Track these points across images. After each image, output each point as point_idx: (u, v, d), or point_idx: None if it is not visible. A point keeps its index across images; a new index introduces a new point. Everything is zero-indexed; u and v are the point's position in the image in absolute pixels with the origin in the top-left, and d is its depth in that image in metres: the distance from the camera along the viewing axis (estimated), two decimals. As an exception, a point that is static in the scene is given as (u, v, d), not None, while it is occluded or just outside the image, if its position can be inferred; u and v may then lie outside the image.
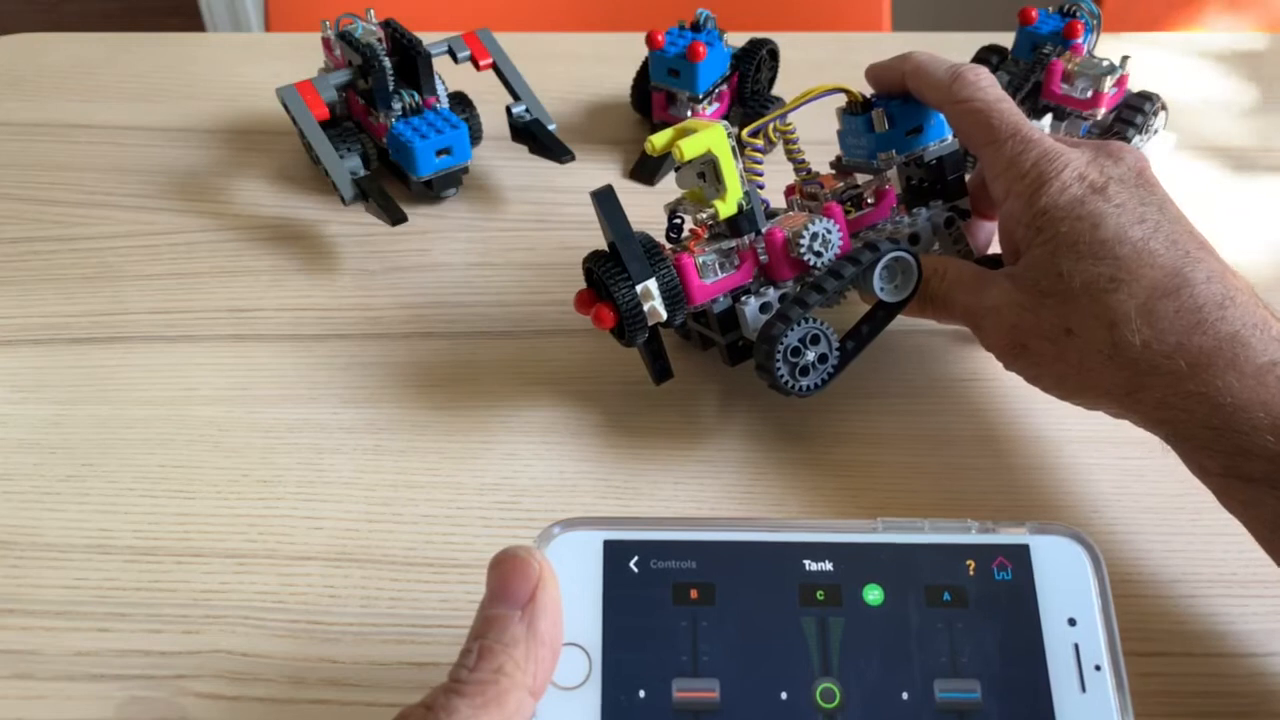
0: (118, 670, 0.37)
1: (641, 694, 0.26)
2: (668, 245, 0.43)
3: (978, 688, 0.26)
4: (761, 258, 0.43)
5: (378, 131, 0.58)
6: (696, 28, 0.61)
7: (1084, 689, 0.26)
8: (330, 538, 0.42)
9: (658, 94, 0.62)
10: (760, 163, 0.44)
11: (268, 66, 0.73)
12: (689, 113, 0.61)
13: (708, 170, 0.42)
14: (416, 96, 0.58)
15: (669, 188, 0.61)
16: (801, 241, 0.42)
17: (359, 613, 0.39)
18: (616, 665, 0.26)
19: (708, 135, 0.41)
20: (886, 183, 0.46)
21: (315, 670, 0.37)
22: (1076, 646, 0.27)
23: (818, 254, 0.42)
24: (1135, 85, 0.58)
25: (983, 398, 0.47)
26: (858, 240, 0.45)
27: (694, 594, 0.27)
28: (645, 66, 0.63)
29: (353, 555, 0.41)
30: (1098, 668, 0.26)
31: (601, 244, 0.43)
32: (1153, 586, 0.39)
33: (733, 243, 0.43)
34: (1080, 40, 0.58)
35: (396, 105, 0.57)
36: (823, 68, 0.72)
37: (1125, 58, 0.57)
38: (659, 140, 0.41)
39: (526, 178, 0.62)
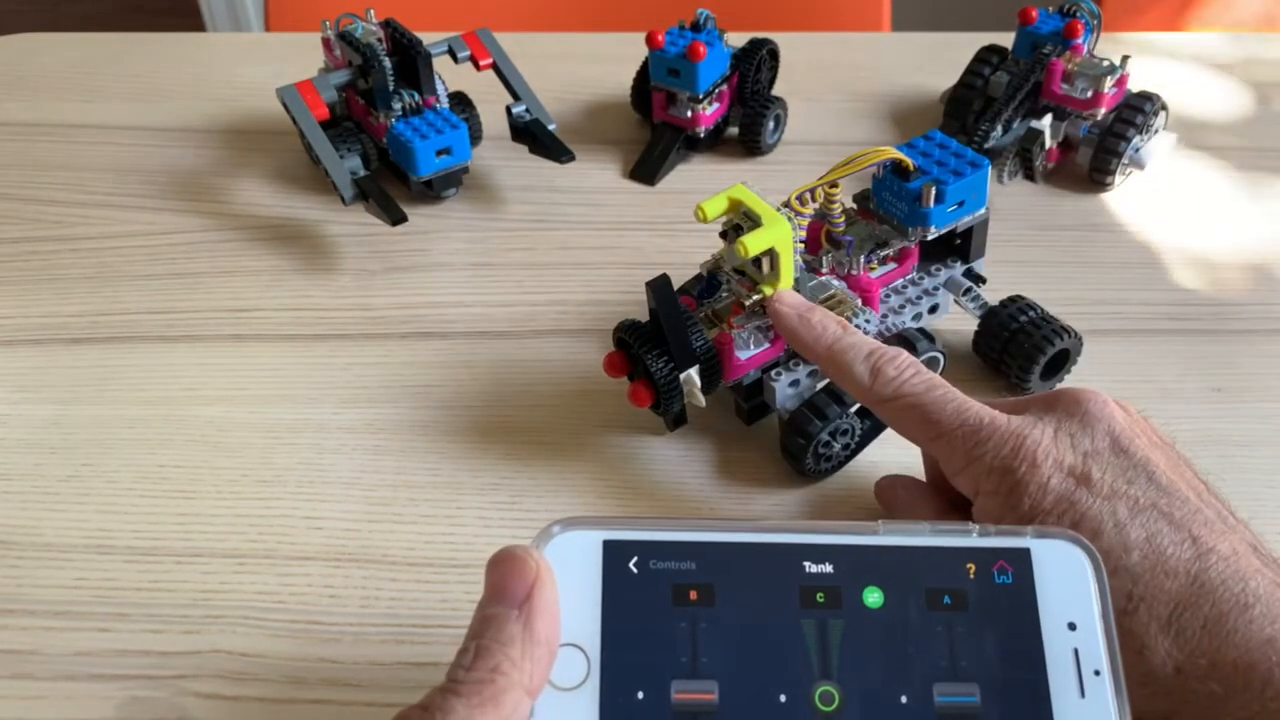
0: (118, 670, 0.37)
1: (640, 695, 0.26)
2: (696, 305, 0.44)
3: (977, 692, 0.26)
4: None
5: (378, 131, 0.58)
6: (696, 28, 0.61)
7: (1083, 694, 0.26)
8: (330, 538, 0.42)
9: (658, 94, 0.62)
10: (803, 228, 0.44)
11: (268, 66, 0.73)
12: (688, 113, 0.61)
13: (764, 258, 0.41)
14: (416, 96, 0.58)
15: (669, 187, 0.61)
16: None
17: (358, 613, 0.39)
18: (615, 666, 0.26)
19: (773, 233, 0.40)
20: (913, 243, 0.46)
21: (315, 670, 0.37)
22: (1076, 651, 0.27)
23: None
24: (1135, 85, 0.58)
25: (982, 398, 0.47)
26: (885, 316, 0.45)
27: (693, 595, 0.27)
28: (645, 66, 0.63)
29: (352, 555, 0.41)
30: (1097, 673, 0.26)
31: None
32: (1152, 588, 0.39)
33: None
34: (1080, 40, 0.57)
35: (396, 105, 0.57)
36: (823, 68, 0.72)
37: (1125, 58, 0.57)
38: (711, 209, 0.40)
39: (526, 178, 0.62)
